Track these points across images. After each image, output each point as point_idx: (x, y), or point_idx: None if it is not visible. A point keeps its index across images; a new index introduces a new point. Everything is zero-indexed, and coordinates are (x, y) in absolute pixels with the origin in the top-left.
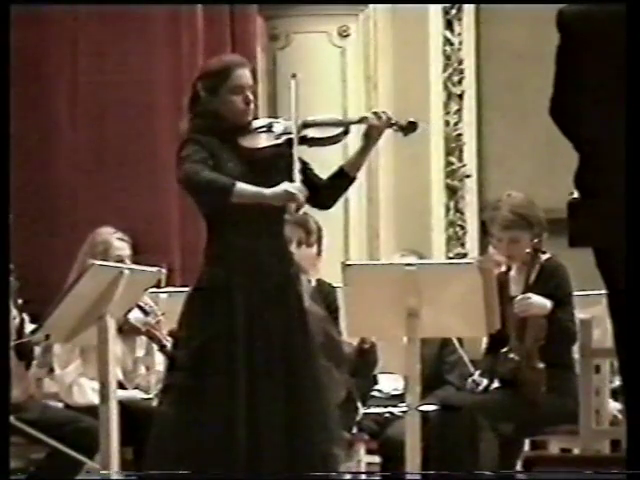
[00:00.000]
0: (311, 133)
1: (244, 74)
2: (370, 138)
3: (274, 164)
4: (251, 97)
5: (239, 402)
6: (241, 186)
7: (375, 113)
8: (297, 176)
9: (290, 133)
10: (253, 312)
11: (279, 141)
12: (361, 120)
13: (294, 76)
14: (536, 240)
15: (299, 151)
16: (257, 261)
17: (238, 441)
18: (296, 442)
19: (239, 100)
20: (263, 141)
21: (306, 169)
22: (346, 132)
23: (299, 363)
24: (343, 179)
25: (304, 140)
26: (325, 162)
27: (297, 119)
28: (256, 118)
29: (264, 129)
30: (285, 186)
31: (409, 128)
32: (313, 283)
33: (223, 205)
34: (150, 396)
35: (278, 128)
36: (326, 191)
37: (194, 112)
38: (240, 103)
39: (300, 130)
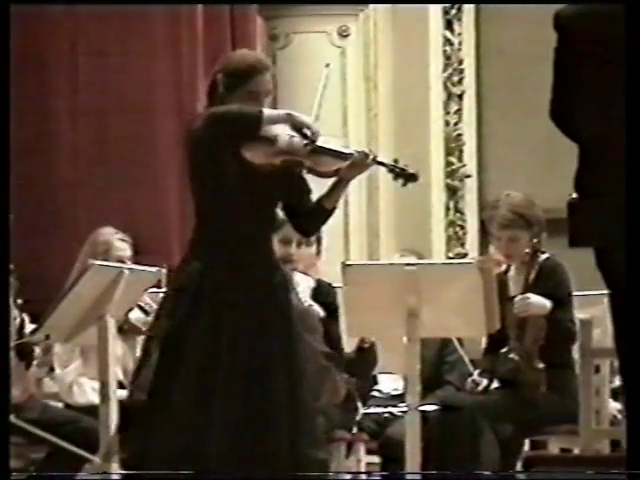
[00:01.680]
0: (314, 163)
1: (264, 80)
2: (350, 174)
3: (273, 176)
4: (265, 104)
5: (189, 401)
6: (269, 111)
7: (363, 152)
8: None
9: (292, 154)
10: (224, 312)
11: (276, 161)
12: (365, 156)
13: (327, 65)
14: (535, 240)
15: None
16: (237, 264)
17: (185, 441)
18: (266, 442)
19: (254, 106)
20: (264, 156)
21: (305, 192)
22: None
23: (278, 368)
24: (322, 211)
25: (303, 165)
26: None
27: (320, 106)
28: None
29: (270, 140)
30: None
31: (409, 178)
32: (313, 283)
33: (254, 134)
34: None
35: (282, 141)
36: (306, 220)
37: (210, 101)
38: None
39: (306, 154)
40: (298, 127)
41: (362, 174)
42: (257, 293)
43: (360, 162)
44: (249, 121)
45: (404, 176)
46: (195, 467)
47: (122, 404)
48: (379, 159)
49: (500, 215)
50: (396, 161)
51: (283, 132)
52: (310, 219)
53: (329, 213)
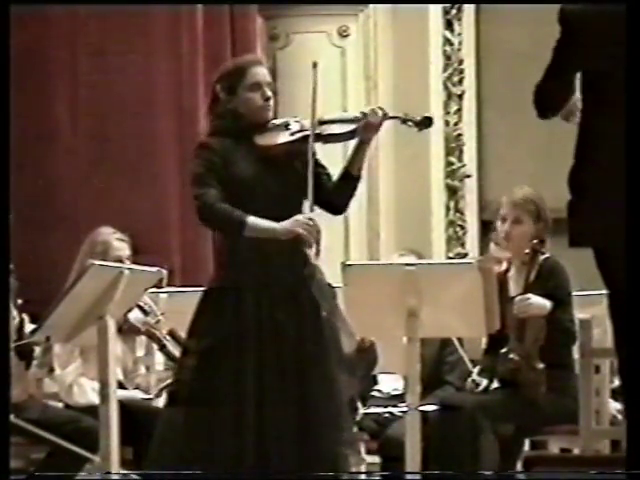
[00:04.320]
0: (327, 130)
1: (260, 71)
2: (367, 134)
3: (289, 162)
4: (269, 93)
5: (247, 403)
6: (253, 221)
7: (373, 110)
8: (308, 206)
9: (306, 130)
10: (263, 313)
11: (294, 138)
12: (365, 115)
13: (315, 65)
14: (535, 241)
15: (316, 149)
16: (268, 262)
17: (245, 442)
18: (307, 443)
19: (257, 97)
20: (278, 139)
21: (322, 174)
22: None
23: (312, 364)
24: (349, 180)
25: (320, 137)
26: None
27: (315, 112)
28: (274, 117)
29: (280, 127)
30: (296, 220)
31: (424, 123)
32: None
33: (237, 238)
34: (150, 396)
35: (294, 126)
36: (335, 196)
37: (214, 114)
38: (258, 100)
39: (317, 129)
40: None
41: (378, 132)
42: (290, 289)
43: (373, 120)
44: (232, 227)
45: (419, 122)
46: (253, 466)
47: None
48: (390, 114)
49: (513, 196)
50: (406, 114)
51: (289, 119)
52: (339, 193)
53: (356, 180)
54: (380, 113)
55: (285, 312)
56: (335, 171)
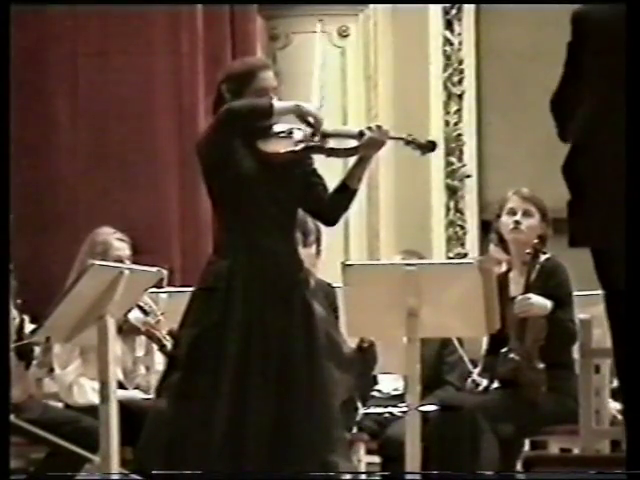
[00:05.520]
0: (330, 143)
1: (268, 76)
2: (369, 152)
3: (290, 171)
4: (275, 99)
5: (222, 400)
6: (278, 102)
7: (378, 128)
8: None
9: (309, 141)
10: (252, 310)
11: (297, 148)
12: (370, 131)
13: (320, 21)
14: (536, 241)
15: (316, 159)
16: (263, 260)
17: (216, 439)
18: (293, 451)
19: None
20: (281, 147)
21: (318, 184)
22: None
23: (300, 366)
24: (346, 193)
25: (323, 149)
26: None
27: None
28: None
29: (284, 135)
30: (316, 108)
31: (427, 147)
32: (312, 283)
33: (267, 121)
34: (150, 396)
35: (297, 135)
36: (330, 207)
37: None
38: None
39: (320, 140)
40: (305, 117)
41: (380, 150)
42: (283, 291)
43: (377, 137)
44: (260, 112)
45: (422, 145)
46: (230, 467)
47: (144, 408)
48: (393, 134)
49: (522, 191)
50: (410, 135)
51: (292, 126)
52: (334, 204)
53: (353, 193)
54: (384, 132)
55: (275, 313)
56: (335, 181)
